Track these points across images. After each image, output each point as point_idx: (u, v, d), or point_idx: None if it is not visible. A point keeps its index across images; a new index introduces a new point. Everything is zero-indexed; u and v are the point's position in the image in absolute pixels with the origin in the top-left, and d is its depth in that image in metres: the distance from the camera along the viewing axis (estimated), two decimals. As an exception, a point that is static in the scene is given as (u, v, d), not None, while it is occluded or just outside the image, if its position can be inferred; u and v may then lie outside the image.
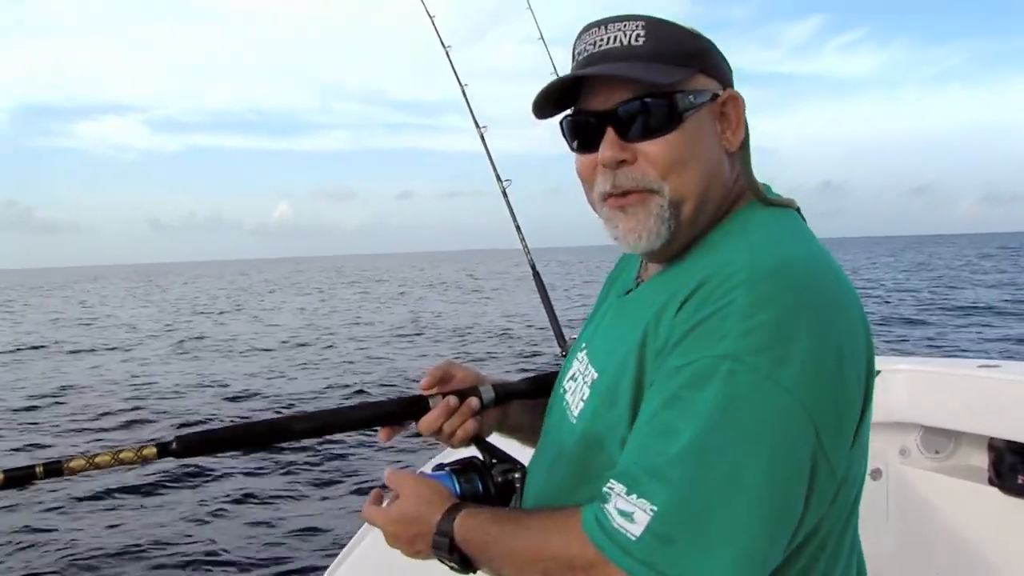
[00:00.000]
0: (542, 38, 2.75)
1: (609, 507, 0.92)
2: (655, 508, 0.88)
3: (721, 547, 0.86)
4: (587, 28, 1.09)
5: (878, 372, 3.01)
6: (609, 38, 1.06)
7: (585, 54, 1.09)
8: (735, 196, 1.11)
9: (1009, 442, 2.65)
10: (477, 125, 2.47)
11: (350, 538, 2.44)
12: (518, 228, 2.43)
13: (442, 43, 2.67)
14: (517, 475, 1.22)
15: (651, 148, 1.05)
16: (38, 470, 1.11)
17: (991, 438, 2.72)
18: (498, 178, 2.40)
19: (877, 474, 2.95)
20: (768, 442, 0.88)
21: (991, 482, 2.71)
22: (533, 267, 2.43)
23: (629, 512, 0.90)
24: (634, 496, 0.90)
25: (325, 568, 2.30)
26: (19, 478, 1.10)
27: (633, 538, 0.89)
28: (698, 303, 0.96)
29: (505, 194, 2.41)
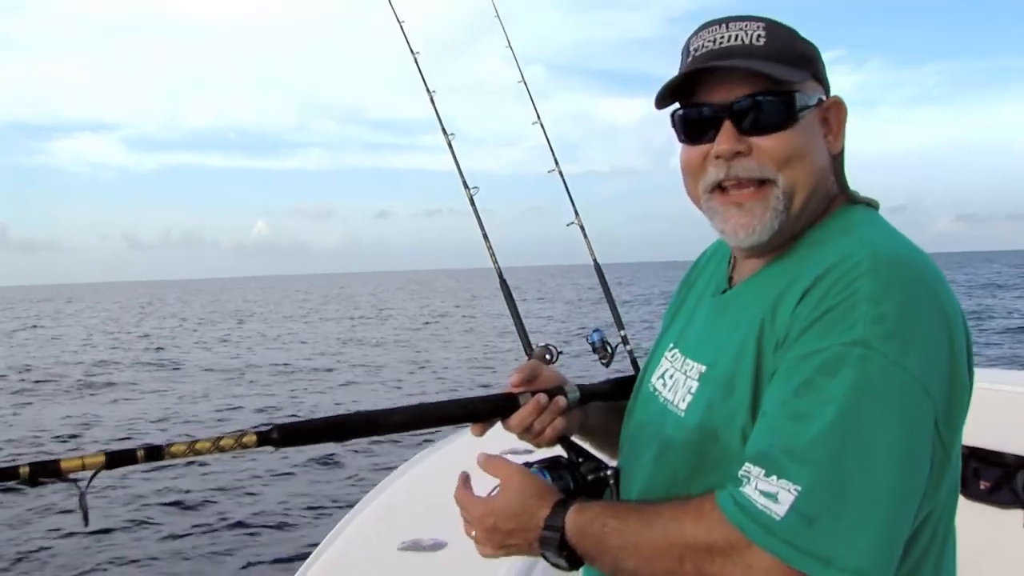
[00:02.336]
0: (510, 46, 2.75)
1: (748, 489, 0.93)
2: (799, 488, 0.90)
3: (862, 526, 0.89)
4: (706, 25, 1.12)
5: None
6: (731, 36, 1.09)
7: (704, 50, 1.11)
8: (832, 197, 1.14)
9: (972, 448, 2.67)
10: (445, 132, 2.46)
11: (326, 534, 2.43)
12: (485, 236, 2.42)
13: (410, 49, 2.67)
14: (609, 473, 1.20)
15: (767, 142, 1.07)
16: (139, 453, 1.11)
17: None
18: (465, 185, 2.40)
19: None
20: (899, 425, 0.91)
21: None
22: (500, 275, 2.43)
23: (772, 493, 0.91)
24: (774, 477, 0.92)
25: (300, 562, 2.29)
26: (120, 460, 1.10)
27: (778, 518, 0.90)
28: (822, 293, 0.98)
29: (472, 201, 2.40)
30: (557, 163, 2.88)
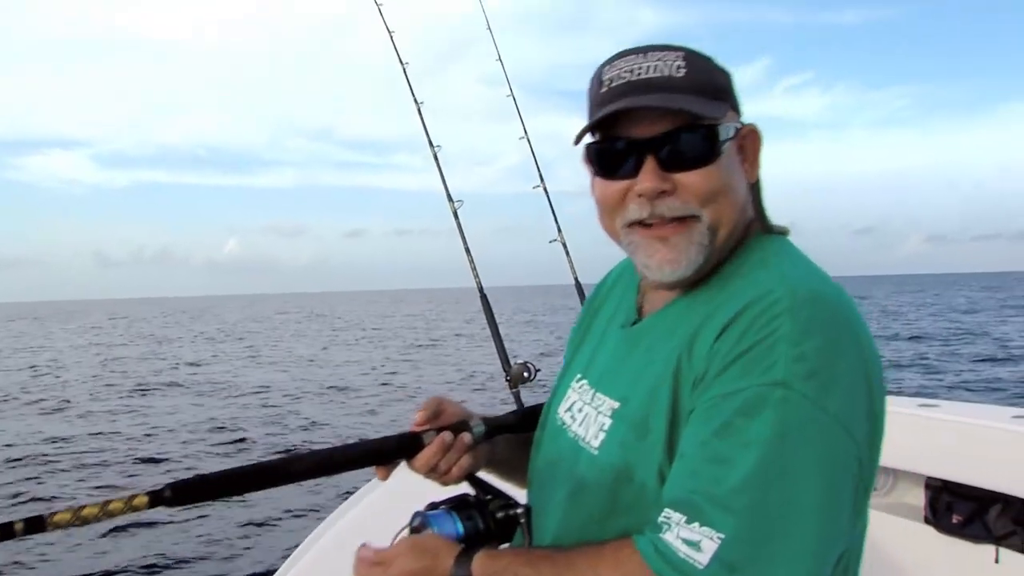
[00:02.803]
0: (500, 60, 2.74)
1: (670, 536, 0.92)
2: (723, 536, 0.89)
3: (785, 572, 0.89)
4: (623, 54, 1.08)
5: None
6: (650, 67, 1.05)
7: (621, 80, 1.06)
8: (747, 225, 1.12)
9: (945, 481, 2.68)
10: (431, 144, 2.45)
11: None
12: (468, 250, 2.40)
13: (400, 59, 2.66)
14: (519, 511, 1.16)
15: (691, 179, 1.04)
16: (17, 527, 1.02)
17: (928, 477, 2.75)
18: (450, 198, 2.38)
19: None
20: (821, 469, 0.91)
21: (927, 520, 2.74)
22: (481, 290, 2.41)
23: (695, 541, 0.90)
24: (696, 524, 0.90)
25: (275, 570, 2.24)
26: None
27: (700, 567, 0.89)
28: (742, 330, 0.96)
29: (456, 214, 2.38)
30: (542, 179, 2.85)
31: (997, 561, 2.56)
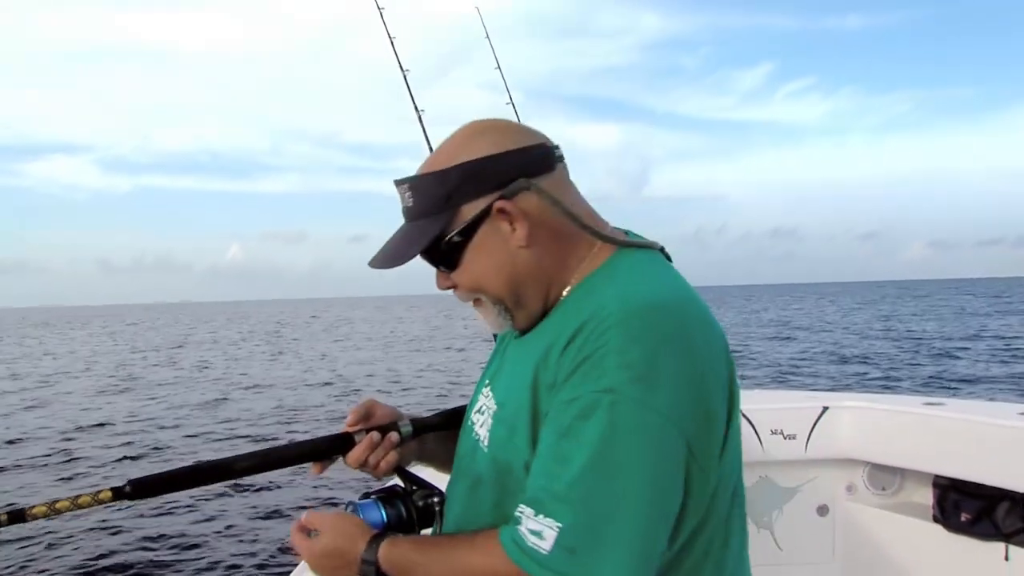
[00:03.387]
0: (499, 68, 2.75)
1: (522, 528, 1.07)
2: (560, 525, 1.04)
3: (614, 551, 1.03)
4: (396, 183, 1.26)
5: (825, 409, 3.02)
6: (402, 198, 1.24)
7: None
8: (590, 249, 1.23)
9: (953, 480, 2.68)
10: (431, 150, 2.44)
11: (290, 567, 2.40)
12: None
13: (400, 66, 2.66)
14: (436, 499, 1.35)
15: (456, 277, 1.24)
16: (2, 518, 1.19)
17: (936, 475, 2.75)
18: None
19: (823, 510, 2.96)
20: (647, 459, 1.04)
21: (936, 519, 2.73)
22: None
23: (539, 531, 1.05)
24: (541, 517, 1.06)
25: None
26: None
27: (545, 553, 1.04)
28: (580, 343, 1.10)
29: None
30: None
31: (1007, 559, 2.56)
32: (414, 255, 1.22)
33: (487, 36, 2.89)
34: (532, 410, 1.16)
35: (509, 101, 2.81)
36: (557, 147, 1.24)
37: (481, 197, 1.19)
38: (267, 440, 12.78)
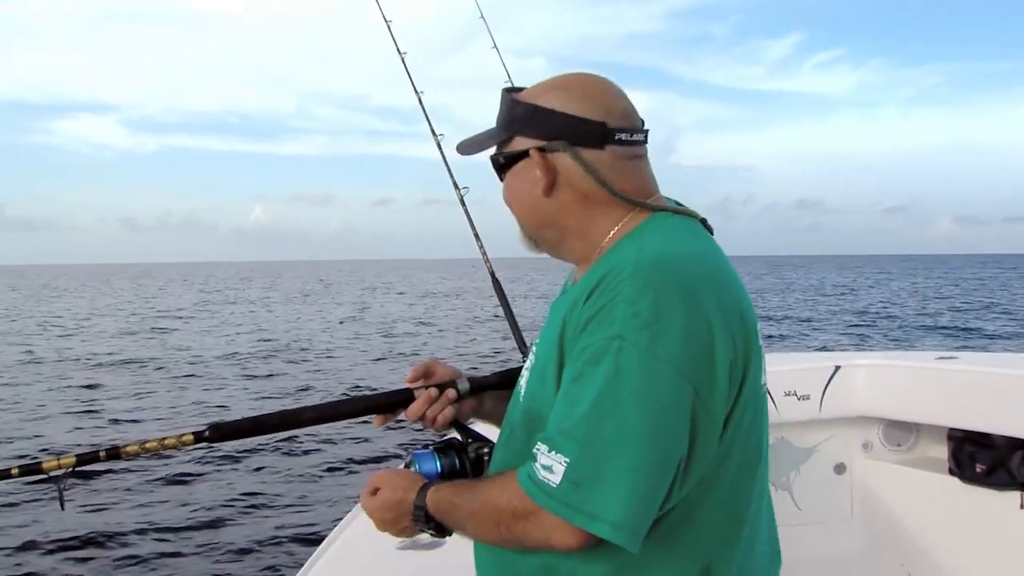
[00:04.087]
0: (495, 47, 2.75)
1: (536, 464, 1.14)
2: (568, 460, 1.11)
3: (615, 486, 1.09)
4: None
5: (837, 368, 3.02)
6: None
7: None
8: (624, 215, 1.31)
9: (967, 432, 2.69)
10: (434, 133, 2.45)
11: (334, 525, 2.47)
12: (476, 236, 2.41)
13: (398, 49, 2.65)
14: (486, 450, 1.42)
15: (503, 190, 1.38)
16: (101, 453, 1.38)
17: (950, 429, 2.77)
18: (456, 186, 2.38)
19: (840, 469, 2.98)
20: (649, 401, 1.10)
21: (951, 472, 2.75)
22: (493, 275, 2.41)
23: (549, 465, 1.12)
24: (552, 453, 1.13)
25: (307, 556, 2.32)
26: (87, 459, 1.39)
27: (554, 485, 1.12)
28: (597, 296, 1.17)
29: (463, 201, 2.39)
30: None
31: (1023, 507, 2.58)
32: (475, 152, 1.38)
33: (482, 16, 2.89)
34: (559, 360, 1.23)
35: (508, 80, 2.81)
36: (635, 131, 1.31)
37: (530, 138, 1.31)
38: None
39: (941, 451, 2.84)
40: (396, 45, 2.63)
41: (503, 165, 1.35)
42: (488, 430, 1.52)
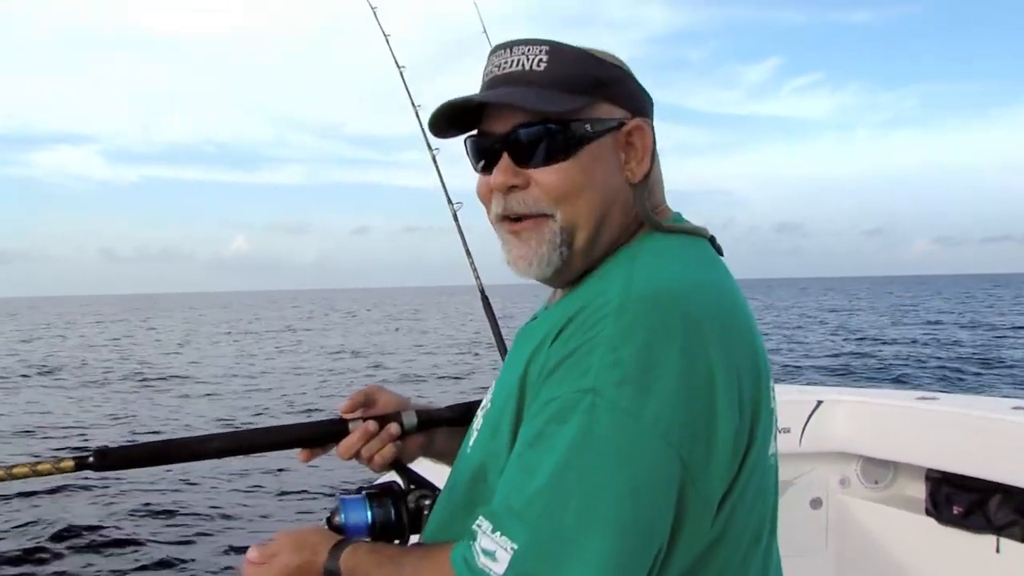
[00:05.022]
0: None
1: (476, 545, 0.91)
2: (515, 546, 0.87)
3: None
4: (494, 49, 1.08)
5: (819, 403, 3.03)
6: (513, 61, 1.05)
7: (490, 75, 1.08)
8: (636, 225, 1.08)
9: (945, 473, 2.70)
10: (429, 147, 2.45)
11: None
12: (468, 252, 2.41)
13: (396, 63, 2.65)
14: (427, 502, 1.21)
15: (544, 176, 1.03)
16: None
17: (928, 469, 2.78)
18: (449, 200, 2.38)
19: (817, 503, 2.98)
20: (623, 477, 0.87)
21: (928, 512, 2.76)
22: (482, 291, 2.41)
23: (492, 551, 0.89)
24: (497, 534, 0.89)
25: None
26: None
27: None
28: (570, 334, 0.94)
29: (456, 216, 2.39)
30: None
31: (998, 551, 2.58)
32: (541, 110, 1.02)
33: (484, 31, 2.89)
34: (517, 409, 1.01)
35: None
36: None
37: (621, 108, 1.06)
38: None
39: (919, 490, 2.85)
40: (395, 59, 2.63)
41: (577, 139, 1.02)
42: (438, 472, 1.29)
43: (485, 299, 2.36)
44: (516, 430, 0.99)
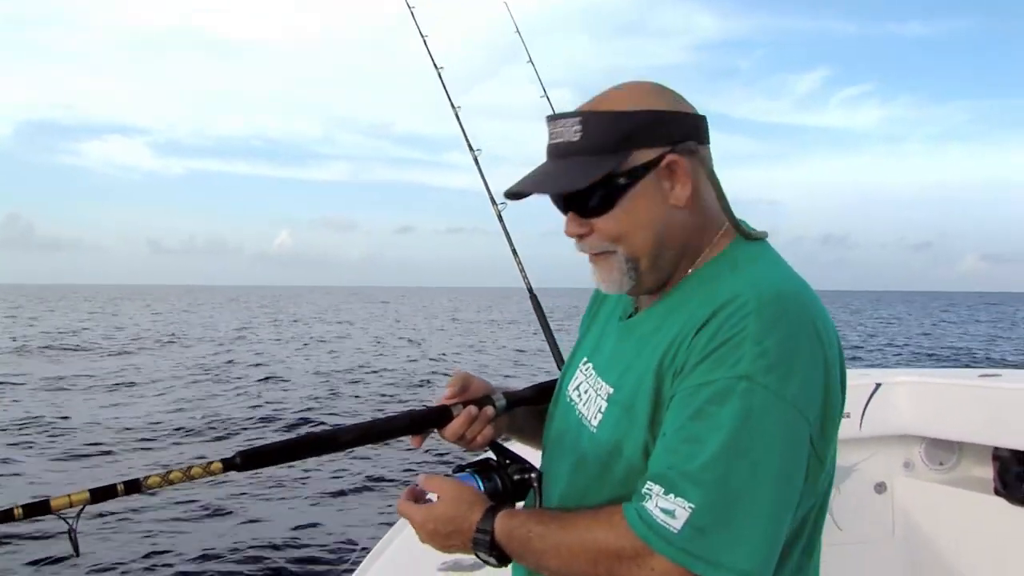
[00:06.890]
0: (531, 61, 2.75)
1: (650, 505, 1.09)
2: (692, 506, 1.06)
3: (746, 535, 1.05)
4: (548, 119, 1.25)
5: (878, 385, 2.98)
6: (557, 133, 1.23)
7: (549, 143, 1.25)
8: (716, 234, 1.26)
9: (1014, 451, 2.64)
10: (471, 148, 2.46)
11: (377, 541, 2.45)
12: (514, 251, 2.40)
13: (434, 63, 2.66)
14: (532, 475, 1.35)
15: (600, 223, 1.23)
16: (119, 487, 1.24)
17: (995, 448, 2.71)
18: (492, 201, 2.37)
19: (881, 488, 2.93)
20: (778, 448, 1.08)
21: (997, 492, 2.70)
22: (530, 289, 2.41)
23: (670, 510, 1.07)
24: (672, 496, 1.07)
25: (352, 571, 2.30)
26: (102, 495, 1.23)
27: (675, 531, 1.06)
28: (715, 329, 1.12)
29: (500, 217, 2.39)
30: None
31: None
32: (583, 186, 1.19)
33: (517, 30, 2.89)
34: (654, 394, 1.17)
35: (543, 95, 2.81)
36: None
37: (655, 147, 1.20)
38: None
39: (986, 471, 2.79)
40: (432, 59, 2.64)
41: (621, 188, 1.19)
42: (517, 447, 1.46)
43: (534, 298, 2.37)
44: (653, 411, 1.17)
